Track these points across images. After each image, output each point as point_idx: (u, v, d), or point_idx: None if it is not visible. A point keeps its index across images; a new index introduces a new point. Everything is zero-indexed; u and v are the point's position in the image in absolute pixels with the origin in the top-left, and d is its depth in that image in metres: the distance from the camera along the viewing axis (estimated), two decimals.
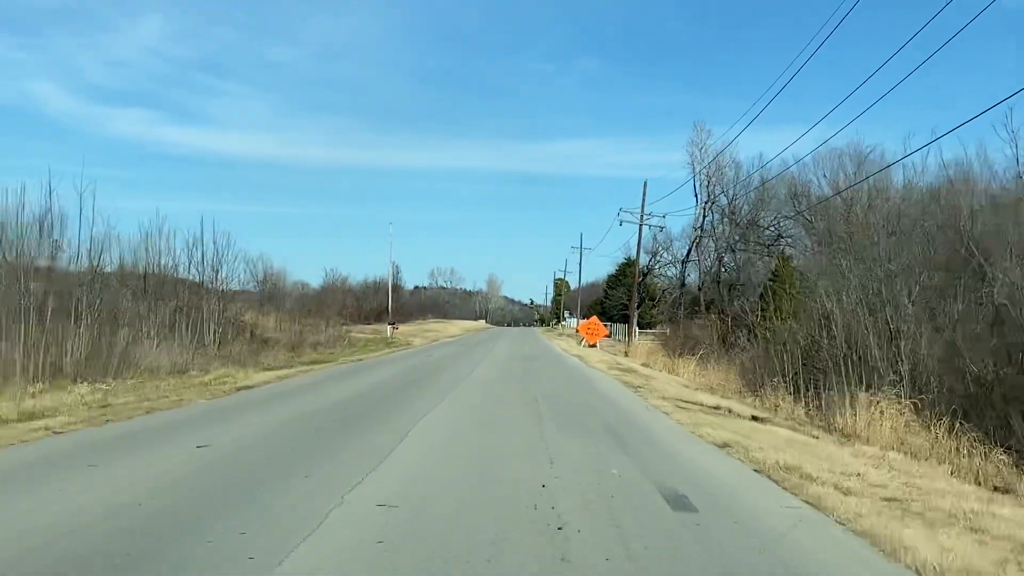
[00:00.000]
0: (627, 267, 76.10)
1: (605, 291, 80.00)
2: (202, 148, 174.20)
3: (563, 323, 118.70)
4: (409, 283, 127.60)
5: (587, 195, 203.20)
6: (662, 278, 73.74)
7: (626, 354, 42.17)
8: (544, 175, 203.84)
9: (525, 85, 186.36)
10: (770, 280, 40.65)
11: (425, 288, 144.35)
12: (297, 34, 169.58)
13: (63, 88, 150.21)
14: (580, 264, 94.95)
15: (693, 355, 40.38)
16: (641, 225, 45.79)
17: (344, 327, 52.69)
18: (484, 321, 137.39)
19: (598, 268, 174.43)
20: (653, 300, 70.04)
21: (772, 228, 52.26)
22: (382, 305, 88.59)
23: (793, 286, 41.10)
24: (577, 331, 53.27)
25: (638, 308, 72.03)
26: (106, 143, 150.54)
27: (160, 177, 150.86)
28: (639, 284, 75.18)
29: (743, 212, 54.61)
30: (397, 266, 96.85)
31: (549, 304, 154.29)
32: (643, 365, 30.32)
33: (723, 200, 56.73)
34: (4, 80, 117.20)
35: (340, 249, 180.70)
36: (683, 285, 63.03)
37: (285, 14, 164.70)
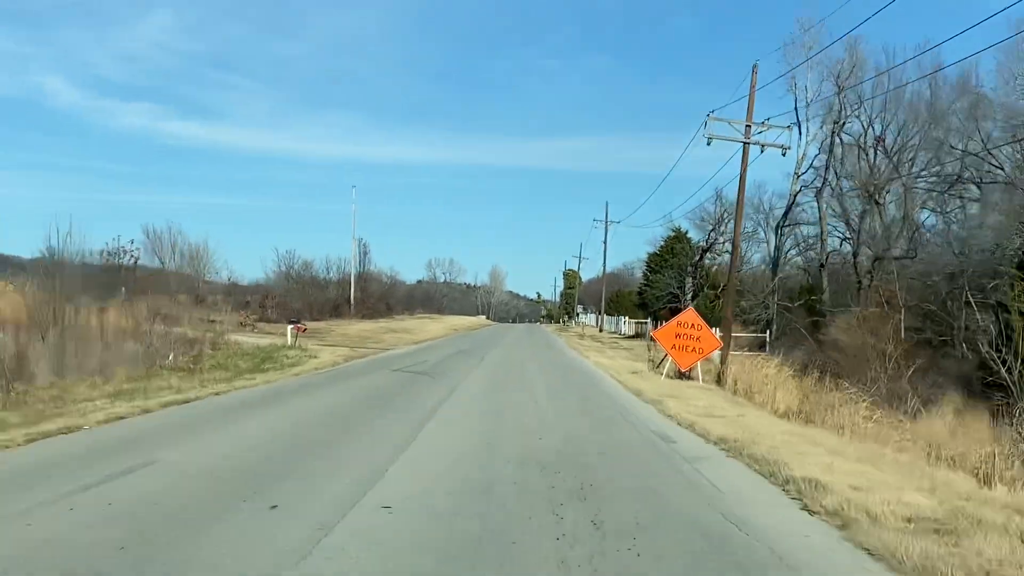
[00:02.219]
0: (676, 242, 54.65)
1: (645, 275, 57.73)
2: (209, 142, 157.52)
3: (576, 320, 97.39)
4: (411, 278, 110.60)
5: (596, 191, 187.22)
6: (722, 258, 52.39)
7: (735, 390, 20.79)
8: (552, 170, 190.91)
9: (532, 82, 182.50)
10: None
11: (423, 282, 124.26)
12: (305, 29, 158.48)
13: (71, 82, 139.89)
14: (605, 241, 67.31)
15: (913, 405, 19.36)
16: (747, 144, 24.86)
17: (242, 325, 32.68)
18: (485, 317, 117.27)
19: (617, 256, 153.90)
20: (716, 288, 48.40)
21: (956, 161, 30.86)
22: (345, 295, 67.97)
23: None
24: (651, 339, 28.90)
25: (693, 300, 50.18)
26: (113, 137, 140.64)
27: (166, 172, 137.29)
28: (699, 263, 53.34)
29: (895, 141, 33.18)
30: (366, 245, 75.55)
31: (557, 299, 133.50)
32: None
33: (856, 126, 35.18)
34: (12, 74, 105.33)
35: (337, 244, 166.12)
36: (776, 266, 41.22)
37: (293, 9, 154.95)
